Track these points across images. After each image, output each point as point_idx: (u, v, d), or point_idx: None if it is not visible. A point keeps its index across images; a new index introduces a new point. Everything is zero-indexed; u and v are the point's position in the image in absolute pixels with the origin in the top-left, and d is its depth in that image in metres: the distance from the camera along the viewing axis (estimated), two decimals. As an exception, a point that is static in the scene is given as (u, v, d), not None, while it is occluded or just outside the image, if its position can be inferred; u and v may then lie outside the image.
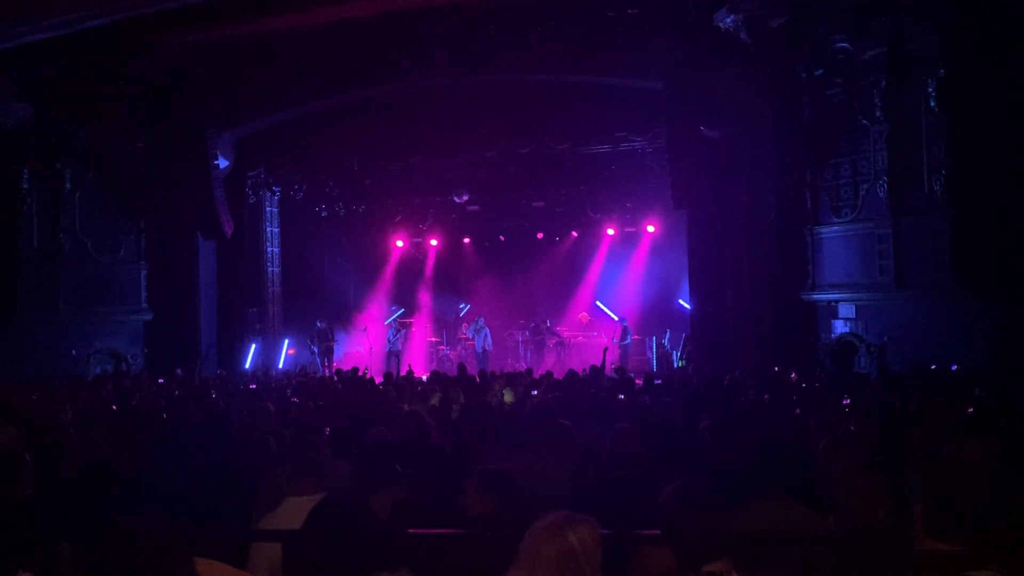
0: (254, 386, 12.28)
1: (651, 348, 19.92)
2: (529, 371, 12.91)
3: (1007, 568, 2.32)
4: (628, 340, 20.07)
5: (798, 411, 7.29)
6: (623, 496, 3.83)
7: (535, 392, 9.40)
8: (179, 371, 13.97)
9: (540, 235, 23.08)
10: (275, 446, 5.63)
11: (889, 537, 2.99)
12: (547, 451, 5.03)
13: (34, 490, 4.03)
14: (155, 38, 14.71)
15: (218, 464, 5.24)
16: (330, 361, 19.24)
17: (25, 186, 16.30)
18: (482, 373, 11.99)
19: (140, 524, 2.20)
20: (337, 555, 2.75)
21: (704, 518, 2.58)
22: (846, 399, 7.29)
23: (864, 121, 13.40)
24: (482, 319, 20.56)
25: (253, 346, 18.70)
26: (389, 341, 20.35)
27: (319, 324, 19.61)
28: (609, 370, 13.51)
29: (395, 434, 5.37)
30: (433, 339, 22.27)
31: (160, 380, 13.14)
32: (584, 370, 12.72)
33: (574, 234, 22.87)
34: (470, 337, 20.41)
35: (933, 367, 10.89)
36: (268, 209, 20.08)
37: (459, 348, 21.64)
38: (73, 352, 16.03)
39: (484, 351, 19.88)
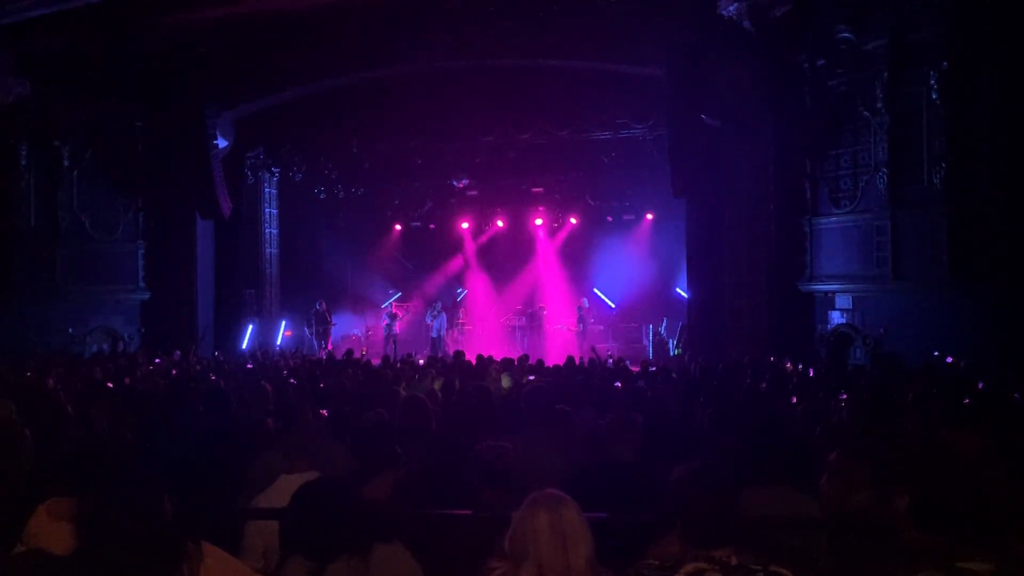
0: (251, 366, 12.30)
1: (648, 336, 19.97)
2: (525, 356, 12.93)
3: (998, 560, 2.33)
4: (584, 327, 20.20)
5: (794, 400, 7.33)
6: (620, 481, 3.86)
7: (532, 377, 9.43)
8: (178, 353, 13.96)
9: (539, 221, 23.10)
10: (271, 427, 5.65)
11: (882, 526, 3.00)
12: (544, 435, 5.06)
13: (33, 465, 4.04)
14: (155, 16, 14.62)
15: (215, 444, 5.25)
16: (327, 343, 19.30)
17: (23, 163, 16.23)
18: (479, 357, 11.99)
19: (149, 503, 2.21)
20: (326, 531, 2.80)
21: (716, 503, 2.60)
22: (843, 394, 7.30)
23: (865, 112, 13.38)
24: (439, 304, 20.53)
25: (250, 327, 18.71)
26: (386, 326, 20.40)
27: (317, 306, 19.66)
28: (604, 357, 13.55)
29: (394, 418, 5.38)
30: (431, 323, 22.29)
31: (157, 360, 13.15)
32: (582, 358, 12.77)
33: (573, 220, 22.88)
34: (428, 321, 20.37)
35: (936, 353, 10.94)
36: (267, 190, 20.06)
37: (455, 332, 21.67)
38: (70, 330, 16.03)
39: (439, 336, 19.88)
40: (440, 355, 16.21)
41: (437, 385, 9.02)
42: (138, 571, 2.02)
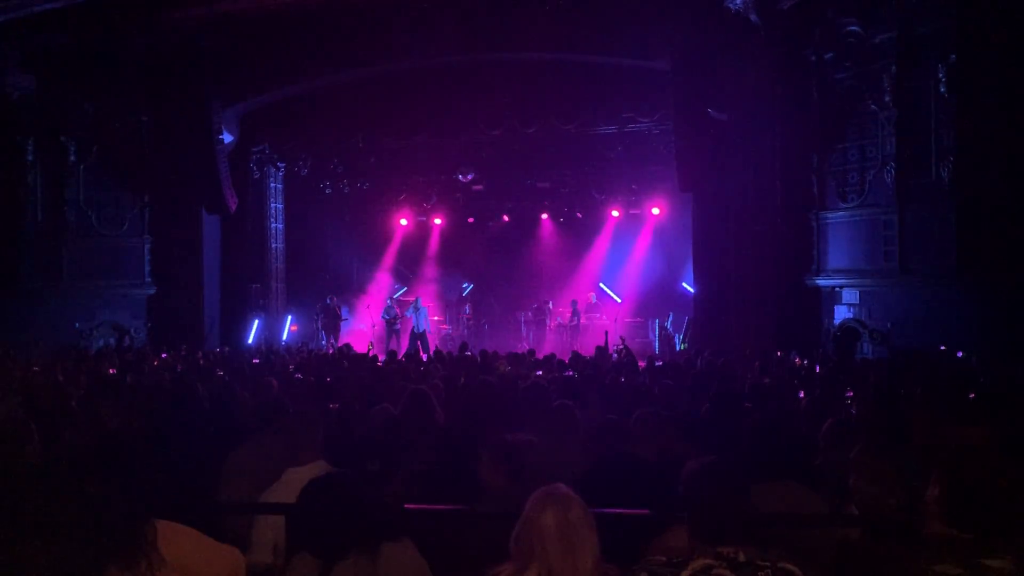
0: (257, 361, 12.32)
1: (654, 331, 19.94)
2: (532, 351, 12.93)
3: (1018, 556, 2.31)
4: (577, 321, 20.15)
5: (801, 394, 7.30)
6: (636, 477, 3.85)
7: (539, 372, 9.42)
8: (184, 348, 13.98)
9: (544, 216, 23.08)
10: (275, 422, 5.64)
11: (906, 523, 2.98)
12: (551, 430, 5.04)
13: (39, 460, 4.04)
14: (160, 10, 14.63)
15: (221, 439, 5.25)
16: (336, 338, 19.30)
17: (29, 158, 16.27)
18: (484, 353, 12.00)
19: (105, 492, 2.12)
20: (334, 528, 2.78)
21: (724, 499, 2.58)
22: (849, 391, 7.26)
23: (873, 106, 13.32)
24: (419, 299, 20.36)
25: (256, 322, 18.74)
26: (388, 319, 20.24)
27: (328, 300, 19.65)
28: (612, 351, 13.54)
29: (401, 411, 5.38)
30: (436, 318, 22.28)
31: (164, 355, 13.18)
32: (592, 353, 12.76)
33: (579, 215, 22.85)
34: (407, 316, 20.00)
35: (942, 348, 10.90)
36: (272, 185, 20.07)
37: (462, 328, 21.67)
38: (77, 325, 16.08)
39: (423, 331, 19.69)
40: (422, 352, 16.00)
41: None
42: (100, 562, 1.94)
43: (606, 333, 14.99)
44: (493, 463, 3.73)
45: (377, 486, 3.46)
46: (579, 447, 4.85)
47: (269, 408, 5.42)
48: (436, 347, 17.45)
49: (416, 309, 19.65)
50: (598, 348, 13.18)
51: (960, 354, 10.53)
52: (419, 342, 18.78)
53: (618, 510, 3.34)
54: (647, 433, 4.44)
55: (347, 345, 15.07)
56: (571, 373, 9.35)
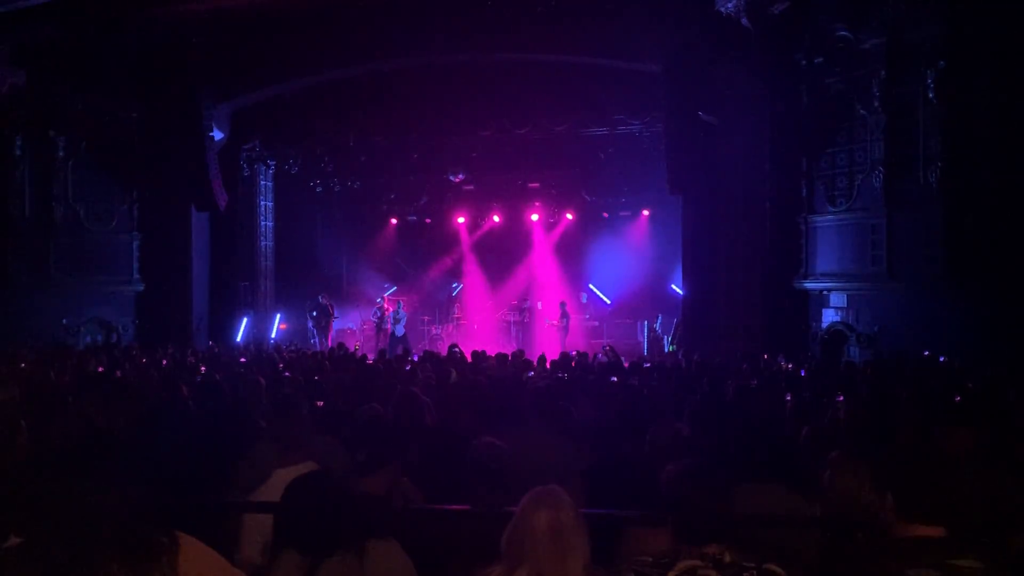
0: (245, 360, 12.27)
1: (642, 332, 19.98)
2: (520, 352, 12.93)
3: (987, 555, 2.34)
4: (567, 323, 20.16)
5: (788, 397, 7.33)
6: (618, 476, 3.87)
7: (531, 374, 9.43)
8: (170, 347, 13.93)
9: (535, 216, 23.08)
10: (264, 422, 5.64)
11: (874, 523, 3.01)
12: (543, 430, 5.05)
13: (28, 455, 4.03)
14: (152, 6, 14.56)
15: (207, 437, 5.23)
16: (327, 337, 19.25)
17: (18, 153, 16.19)
18: (475, 353, 11.99)
19: (111, 497, 2.10)
20: (320, 525, 2.78)
21: (708, 499, 2.60)
22: (839, 396, 7.29)
23: (862, 111, 13.40)
24: (401, 303, 20.31)
25: (245, 320, 18.68)
26: (376, 321, 20.17)
27: (320, 299, 19.58)
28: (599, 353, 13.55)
29: (389, 412, 5.38)
30: (425, 318, 22.26)
31: (150, 351, 13.11)
32: (576, 353, 12.76)
33: (569, 216, 22.87)
34: (389, 322, 19.91)
35: (927, 353, 10.97)
36: (262, 183, 20.03)
37: (450, 327, 21.65)
38: (64, 321, 16.00)
39: (403, 336, 19.67)
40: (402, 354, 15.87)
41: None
42: (111, 568, 1.93)
43: (591, 349, 14.99)
44: (475, 475, 3.73)
45: (363, 475, 3.46)
46: (573, 449, 4.86)
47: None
48: (424, 348, 17.43)
49: (397, 319, 19.50)
50: (580, 352, 13.18)
51: (942, 359, 10.58)
52: (400, 345, 18.73)
53: (608, 511, 3.36)
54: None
55: (341, 344, 15.04)
56: (562, 375, 9.37)
